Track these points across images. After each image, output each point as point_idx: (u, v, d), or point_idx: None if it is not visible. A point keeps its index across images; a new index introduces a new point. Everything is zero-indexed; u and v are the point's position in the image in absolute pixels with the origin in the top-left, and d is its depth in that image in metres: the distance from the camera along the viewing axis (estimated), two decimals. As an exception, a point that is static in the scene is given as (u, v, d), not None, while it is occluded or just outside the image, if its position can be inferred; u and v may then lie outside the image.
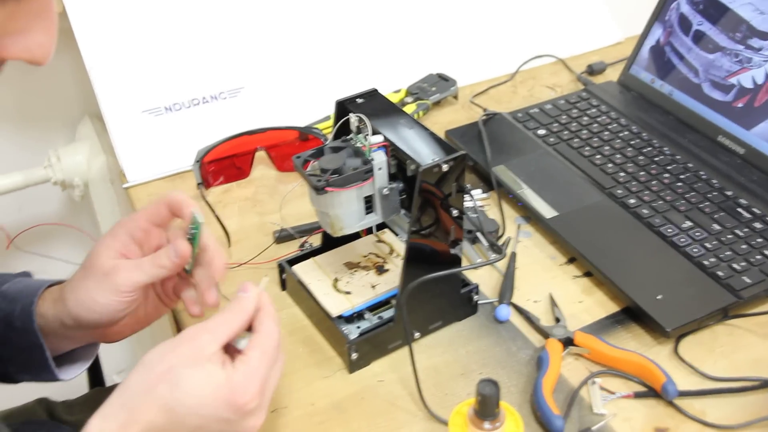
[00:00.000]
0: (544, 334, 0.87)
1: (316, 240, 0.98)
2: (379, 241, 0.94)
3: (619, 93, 1.24)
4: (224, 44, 1.20)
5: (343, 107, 0.86)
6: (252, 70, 1.21)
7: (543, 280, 0.95)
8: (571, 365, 0.85)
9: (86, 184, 1.32)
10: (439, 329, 0.89)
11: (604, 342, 0.85)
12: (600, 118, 1.18)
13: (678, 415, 0.79)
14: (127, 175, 1.13)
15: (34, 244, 1.24)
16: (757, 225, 0.97)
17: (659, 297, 0.88)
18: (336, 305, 0.85)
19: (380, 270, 0.90)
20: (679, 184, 1.04)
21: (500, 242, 1.00)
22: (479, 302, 0.91)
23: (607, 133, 1.15)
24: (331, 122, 1.16)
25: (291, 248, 0.99)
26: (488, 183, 1.09)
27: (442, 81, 1.27)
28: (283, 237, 1.01)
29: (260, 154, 1.13)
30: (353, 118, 0.83)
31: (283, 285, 0.94)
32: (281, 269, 0.93)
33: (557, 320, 0.89)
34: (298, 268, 0.91)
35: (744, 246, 0.94)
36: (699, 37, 1.15)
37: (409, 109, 1.22)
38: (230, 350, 0.66)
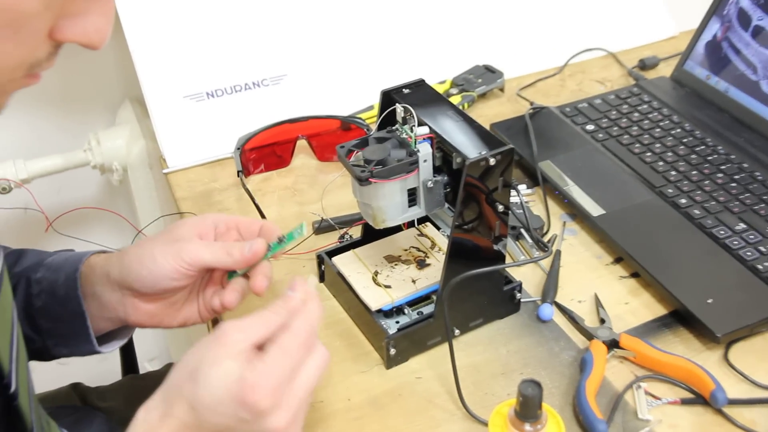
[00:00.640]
0: (589, 335, 0.86)
1: (356, 232, 0.97)
2: (421, 234, 0.93)
3: (672, 89, 1.22)
4: (268, 31, 1.21)
5: (389, 97, 0.85)
6: (295, 57, 1.21)
7: (588, 280, 0.94)
8: (616, 368, 0.84)
9: (125, 169, 1.33)
10: (479, 327, 0.89)
11: (650, 345, 0.83)
12: (651, 115, 1.16)
13: (726, 424, 0.78)
14: (167, 161, 1.14)
15: (72, 228, 1.25)
16: (815, 229, 0.95)
17: (709, 301, 0.87)
18: (375, 299, 0.85)
19: (421, 264, 0.89)
20: (733, 184, 1.02)
21: (545, 239, 0.99)
22: (522, 300, 0.90)
23: (658, 130, 1.13)
24: (374, 112, 1.17)
25: (330, 239, 0.99)
26: (534, 178, 1.08)
27: (489, 73, 1.26)
28: (322, 228, 1.01)
29: (301, 143, 1.13)
30: (399, 108, 0.82)
31: (322, 277, 0.94)
32: (320, 260, 0.93)
33: (602, 321, 0.88)
34: (338, 260, 0.91)
35: (800, 251, 0.92)
36: (758, 33, 1.12)
37: (453, 101, 1.21)
38: None
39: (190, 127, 1.16)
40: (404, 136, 0.82)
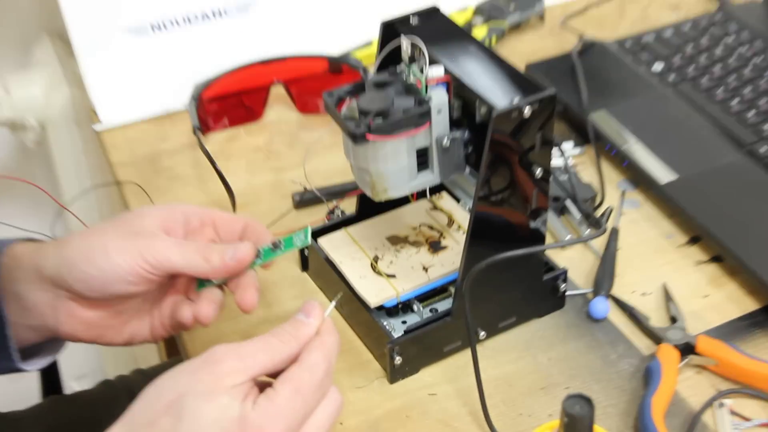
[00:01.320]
0: (656, 338, 0.88)
1: (349, 206, 0.99)
2: (435, 208, 0.95)
3: (767, 16, 1.23)
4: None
5: (392, 29, 0.86)
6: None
7: (655, 266, 0.96)
8: (691, 380, 0.85)
9: (43, 126, 1.33)
10: (511, 328, 0.90)
11: (737, 351, 0.85)
12: (740, 49, 1.17)
13: (834, 451, 0.80)
14: (99, 115, 1.15)
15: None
16: None
17: (814, 293, 0.89)
18: (376, 292, 0.87)
19: (435, 247, 0.91)
20: None
21: (598, 214, 1.00)
22: (567, 293, 0.92)
23: (748, 69, 1.14)
24: (373, 49, 1.18)
25: (316, 215, 1.00)
26: (583, 135, 1.09)
27: (524, -4, 1.27)
28: (305, 200, 1.03)
29: (277, 91, 1.14)
30: (405, 43, 0.82)
31: (304, 264, 0.96)
32: (303, 243, 0.95)
33: (673, 320, 0.90)
34: (326, 242, 0.92)
35: None
36: None
37: (478, 33, 1.22)
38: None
39: (130, 71, 1.17)
40: (412, 79, 0.83)
